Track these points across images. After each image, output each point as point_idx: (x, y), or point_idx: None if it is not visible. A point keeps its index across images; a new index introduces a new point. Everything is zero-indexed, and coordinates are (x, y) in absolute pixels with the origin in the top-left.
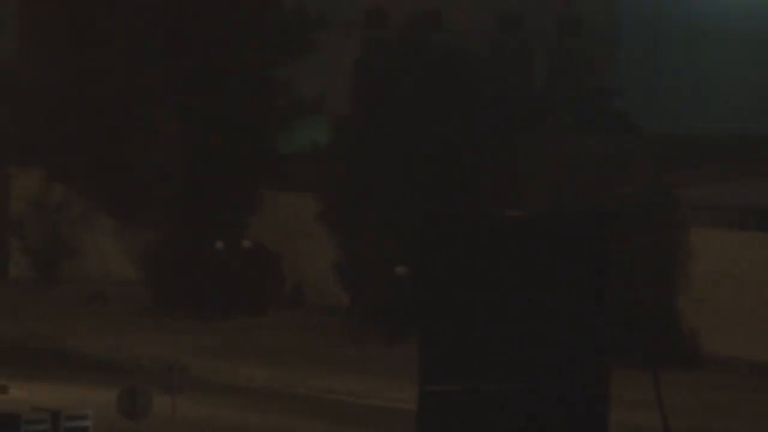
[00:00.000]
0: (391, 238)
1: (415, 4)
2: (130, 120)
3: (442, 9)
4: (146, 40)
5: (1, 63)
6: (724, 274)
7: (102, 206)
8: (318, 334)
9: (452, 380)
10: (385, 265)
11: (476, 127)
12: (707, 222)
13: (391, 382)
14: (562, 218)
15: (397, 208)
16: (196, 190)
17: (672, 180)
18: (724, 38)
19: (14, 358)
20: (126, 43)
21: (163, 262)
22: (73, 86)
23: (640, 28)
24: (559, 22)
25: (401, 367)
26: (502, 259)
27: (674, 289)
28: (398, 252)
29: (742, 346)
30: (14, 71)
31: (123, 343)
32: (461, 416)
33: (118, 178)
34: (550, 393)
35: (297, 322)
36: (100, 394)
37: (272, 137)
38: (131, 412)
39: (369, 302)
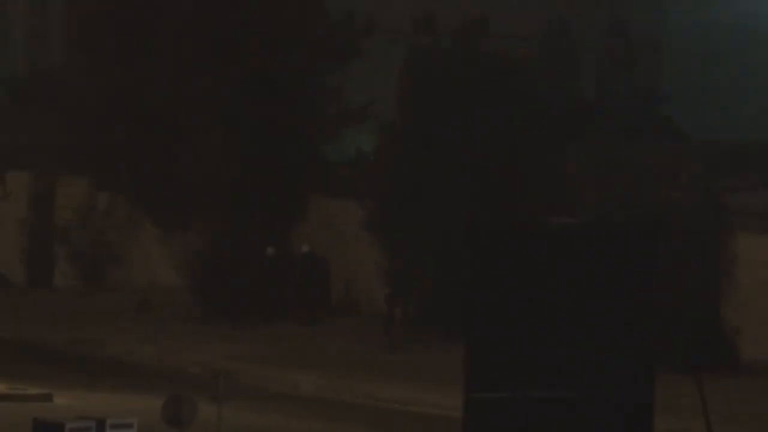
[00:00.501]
0: (438, 245)
1: (462, 10)
2: (177, 128)
3: (490, 15)
4: (194, 48)
5: (47, 71)
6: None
7: (148, 213)
8: (365, 340)
9: (499, 387)
10: (432, 272)
11: (524, 133)
12: (755, 229)
13: (437, 390)
14: (611, 225)
15: (444, 215)
16: (243, 196)
17: (719, 187)
18: None
19: (59, 366)
20: (174, 50)
21: (209, 269)
22: (119, 94)
23: (687, 33)
24: (606, 28)
25: (448, 374)
26: (549, 266)
27: (720, 296)
28: (445, 259)
29: None
30: (60, 79)
31: (169, 350)
32: (507, 424)
33: (164, 186)
34: (596, 401)
35: (344, 328)
36: (145, 402)
37: (320, 144)
38: (177, 420)
39: (409, 310)
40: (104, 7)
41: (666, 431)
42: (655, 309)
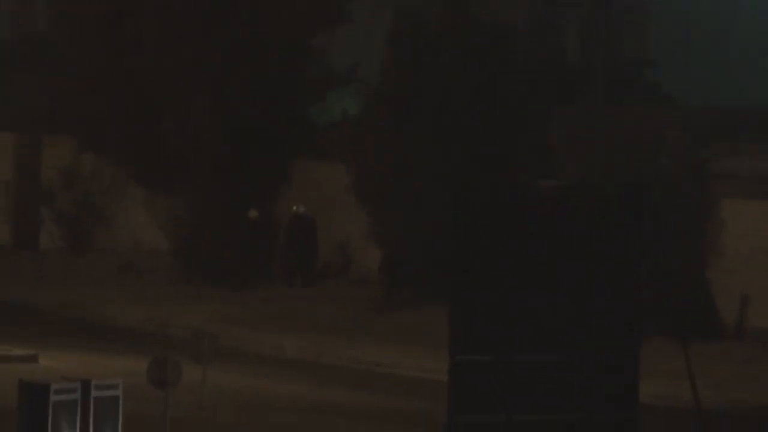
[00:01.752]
0: (425, 209)
1: None
2: (163, 90)
3: None
4: (180, 12)
5: (32, 34)
6: (756, 246)
7: (133, 176)
8: (352, 303)
9: (484, 350)
10: (418, 236)
11: (511, 99)
12: (741, 195)
13: (423, 352)
14: (596, 189)
15: (430, 179)
16: (228, 159)
17: (706, 152)
18: (763, 8)
19: (44, 328)
20: (159, 14)
21: (194, 232)
22: (105, 56)
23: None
24: None
25: (434, 337)
26: (535, 230)
27: (706, 262)
28: (432, 223)
29: None
30: (45, 42)
31: (153, 312)
32: (493, 386)
33: (150, 148)
34: (582, 364)
35: (331, 291)
36: (130, 364)
37: (305, 108)
38: (161, 382)
39: (397, 273)
40: None
41: (652, 395)
42: (641, 273)
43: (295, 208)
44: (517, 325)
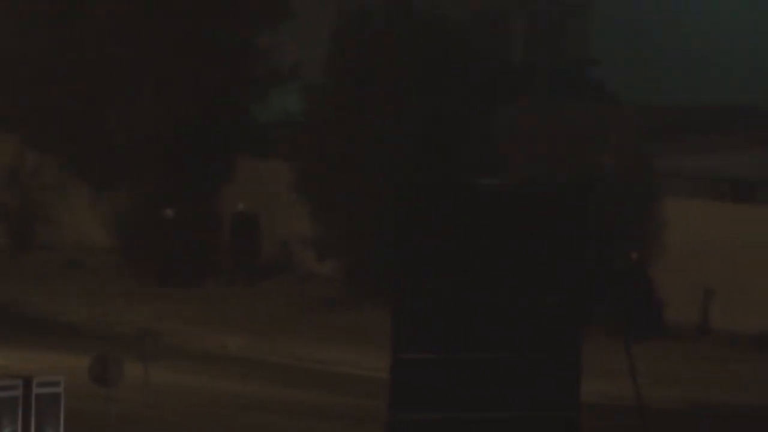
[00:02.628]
0: (366, 206)
1: None
2: (106, 87)
3: None
4: (125, 7)
5: None
6: (700, 245)
7: (77, 173)
8: (294, 301)
9: (425, 348)
10: (359, 233)
11: (454, 96)
12: (685, 193)
13: (364, 350)
14: (539, 187)
15: (372, 176)
16: (171, 156)
17: (650, 151)
18: (707, 7)
19: None
20: (103, 9)
21: (137, 230)
22: (49, 53)
23: None
24: None
25: (375, 336)
26: (477, 228)
27: (649, 259)
28: (374, 220)
29: (716, 317)
30: None
31: (97, 310)
32: (434, 384)
33: (93, 145)
34: (525, 362)
35: (274, 289)
36: (72, 361)
37: (248, 105)
38: (103, 379)
39: (338, 271)
40: None
41: (594, 393)
42: (585, 271)
43: (239, 206)
44: (458, 324)
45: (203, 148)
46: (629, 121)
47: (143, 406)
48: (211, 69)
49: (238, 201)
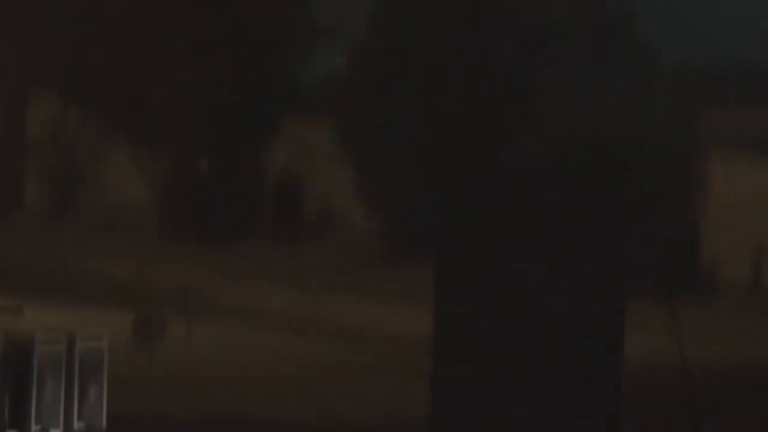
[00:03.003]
0: (411, 163)
1: None
2: (148, 44)
3: None
4: None
5: None
6: (747, 201)
7: (118, 130)
8: (334, 258)
9: (469, 303)
10: (404, 191)
11: (497, 55)
12: (730, 149)
13: (404, 306)
14: (581, 151)
15: (416, 134)
16: (214, 114)
17: (692, 108)
18: None
19: (30, 281)
20: None
21: (180, 187)
22: (91, 12)
23: None
24: None
25: (414, 291)
26: (521, 192)
27: (692, 218)
28: (418, 178)
29: (764, 276)
30: None
31: (139, 266)
32: (477, 339)
33: (135, 103)
34: (568, 320)
35: (314, 246)
36: (115, 317)
37: (291, 63)
38: (146, 335)
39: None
40: None
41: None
42: (626, 230)
43: (278, 162)
44: (500, 280)
45: (246, 105)
46: (671, 78)
47: (185, 362)
48: (253, 25)
49: (281, 157)
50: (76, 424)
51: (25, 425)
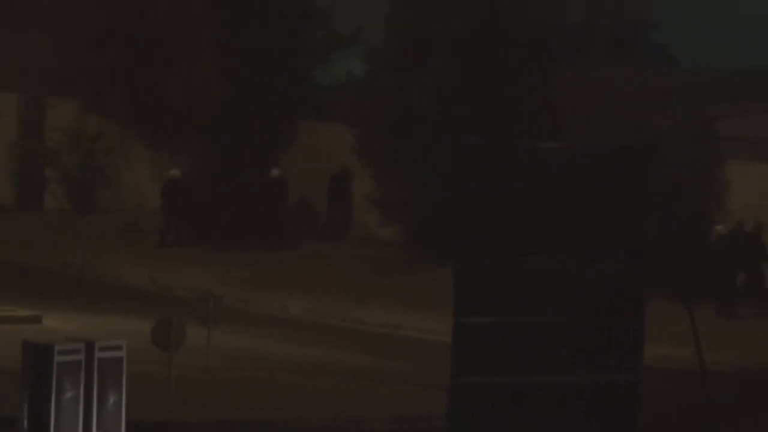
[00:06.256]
0: (428, 169)
1: None
2: (167, 50)
3: None
4: None
5: None
6: (762, 208)
7: (138, 136)
8: (353, 265)
9: (489, 312)
10: (421, 196)
11: (515, 58)
12: (746, 156)
13: (425, 314)
14: (600, 149)
15: (434, 139)
16: (232, 121)
17: (711, 114)
18: None
19: (48, 289)
20: None
21: (197, 193)
22: (109, 16)
23: None
24: None
25: (437, 299)
26: (539, 191)
27: (710, 222)
28: (435, 183)
29: None
30: (49, 0)
31: (158, 273)
32: (496, 348)
33: (154, 109)
34: (587, 325)
35: (332, 253)
36: (134, 325)
37: (309, 69)
38: (165, 343)
39: (400, 233)
40: None
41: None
42: (646, 234)
43: (274, 171)
44: (521, 287)
45: (264, 111)
46: (689, 84)
47: (205, 370)
48: (271, 32)
49: (294, 165)
50: None
51: None
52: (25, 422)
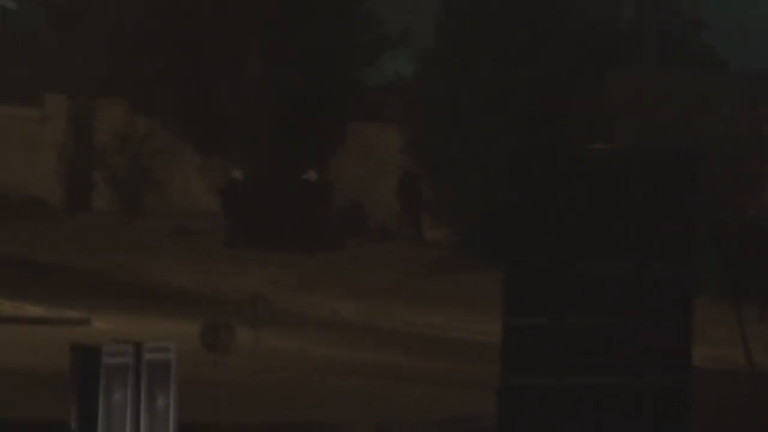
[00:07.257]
0: (478, 170)
1: None
2: (217, 54)
3: None
4: None
5: None
6: None
7: (186, 139)
8: (402, 267)
9: (538, 313)
10: (471, 198)
11: (564, 60)
12: None
13: (475, 315)
14: (652, 152)
15: (484, 142)
16: (281, 123)
17: (760, 116)
18: None
19: (97, 290)
20: None
21: (247, 195)
22: (159, 18)
23: None
24: None
25: (486, 300)
26: (590, 194)
27: (762, 228)
28: (485, 185)
29: None
30: (99, 3)
31: (206, 275)
32: (545, 350)
33: (203, 111)
34: (636, 328)
35: (380, 255)
36: (183, 327)
37: (358, 71)
38: (214, 345)
39: (448, 235)
40: None
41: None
42: (696, 237)
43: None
44: (570, 289)
45: (312, 114)
46: (738, 87)
47: (253, 373)
48: (320, 35)
49: (343, 167)
50: None
51: None
52: (74, 424)
